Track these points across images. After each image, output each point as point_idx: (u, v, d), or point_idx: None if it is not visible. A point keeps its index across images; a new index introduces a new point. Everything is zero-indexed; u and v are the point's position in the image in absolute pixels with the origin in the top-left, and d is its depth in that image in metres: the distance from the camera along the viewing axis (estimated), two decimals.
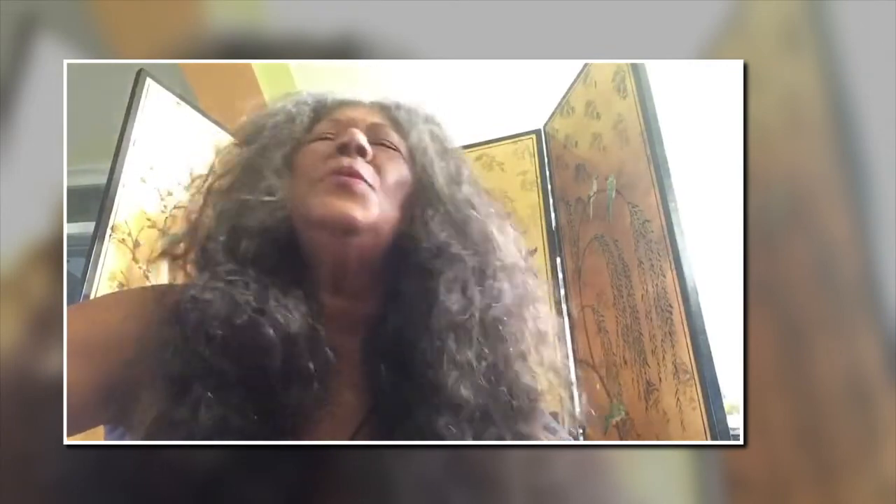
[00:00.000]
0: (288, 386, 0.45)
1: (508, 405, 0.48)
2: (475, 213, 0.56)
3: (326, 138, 0.56)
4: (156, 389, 0.44)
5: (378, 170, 0.54)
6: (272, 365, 0.45)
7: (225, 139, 0.68)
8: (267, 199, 0.52)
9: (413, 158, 0.57)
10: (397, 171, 0.55)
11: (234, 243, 0.50)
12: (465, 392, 0.46)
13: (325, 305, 0.52)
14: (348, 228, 0.50)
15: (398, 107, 0.61)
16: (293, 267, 0.52)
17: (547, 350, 0.55)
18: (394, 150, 0.57)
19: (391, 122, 0.59)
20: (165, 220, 1.30)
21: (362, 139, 0.53)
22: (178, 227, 0.57)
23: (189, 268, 0.55)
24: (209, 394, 0.42)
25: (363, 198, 0.51)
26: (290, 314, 0.47)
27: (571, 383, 1.31)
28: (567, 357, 0.59)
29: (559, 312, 1.41)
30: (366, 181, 0.52)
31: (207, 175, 0.58)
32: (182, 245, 0.56)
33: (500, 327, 0.51)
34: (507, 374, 0.50)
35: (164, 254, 0.57)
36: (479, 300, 0.51)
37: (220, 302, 0.46)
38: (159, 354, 0.45)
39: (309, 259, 0.53)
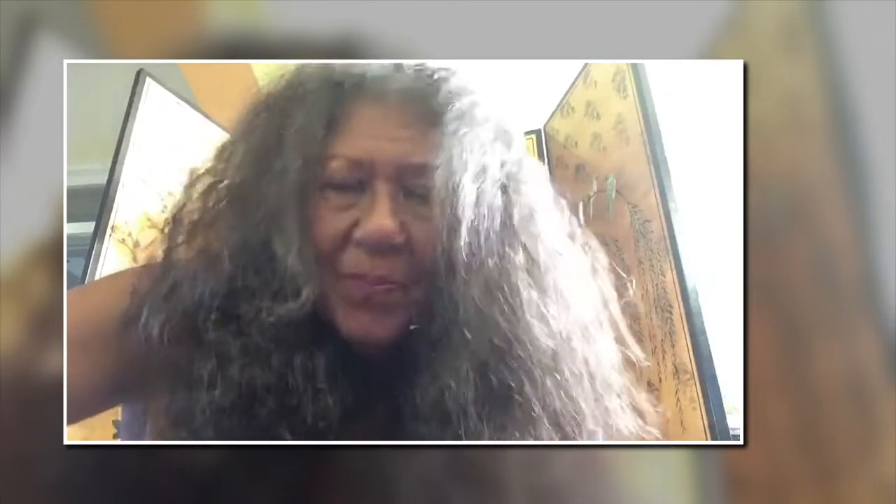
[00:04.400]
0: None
1: None
2: (501, 265, 0.43)
3: (345, 188, 0.43)
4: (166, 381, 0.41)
5: (413, 242, 0.42)
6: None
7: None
8: (291, 305, 0.40)
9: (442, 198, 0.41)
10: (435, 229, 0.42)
11: (229, 323, 0.41)
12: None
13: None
14: (376, 347, 0.43)
15: (443, 110, 0.44)
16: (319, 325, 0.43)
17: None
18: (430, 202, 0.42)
19: (431, 135, 0.43)
20: (165, 221, 1.31)
21: (393, 232, 0.41)
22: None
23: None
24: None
25: (393, 308, 0.43)
26: (322, 396, 0.40)
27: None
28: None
29: None
30: (396, 281, 0.42)
31: (174, 233, 0.48)
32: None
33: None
34: None
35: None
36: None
37: (232, 394, 0.39)
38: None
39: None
